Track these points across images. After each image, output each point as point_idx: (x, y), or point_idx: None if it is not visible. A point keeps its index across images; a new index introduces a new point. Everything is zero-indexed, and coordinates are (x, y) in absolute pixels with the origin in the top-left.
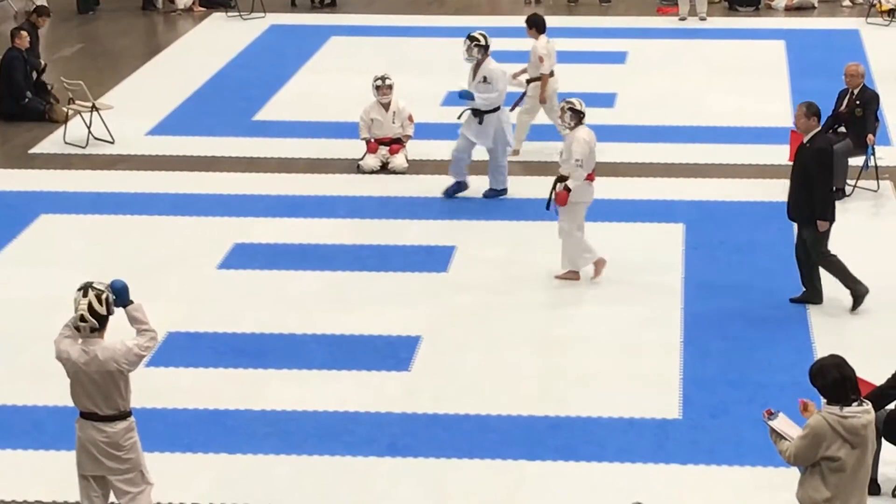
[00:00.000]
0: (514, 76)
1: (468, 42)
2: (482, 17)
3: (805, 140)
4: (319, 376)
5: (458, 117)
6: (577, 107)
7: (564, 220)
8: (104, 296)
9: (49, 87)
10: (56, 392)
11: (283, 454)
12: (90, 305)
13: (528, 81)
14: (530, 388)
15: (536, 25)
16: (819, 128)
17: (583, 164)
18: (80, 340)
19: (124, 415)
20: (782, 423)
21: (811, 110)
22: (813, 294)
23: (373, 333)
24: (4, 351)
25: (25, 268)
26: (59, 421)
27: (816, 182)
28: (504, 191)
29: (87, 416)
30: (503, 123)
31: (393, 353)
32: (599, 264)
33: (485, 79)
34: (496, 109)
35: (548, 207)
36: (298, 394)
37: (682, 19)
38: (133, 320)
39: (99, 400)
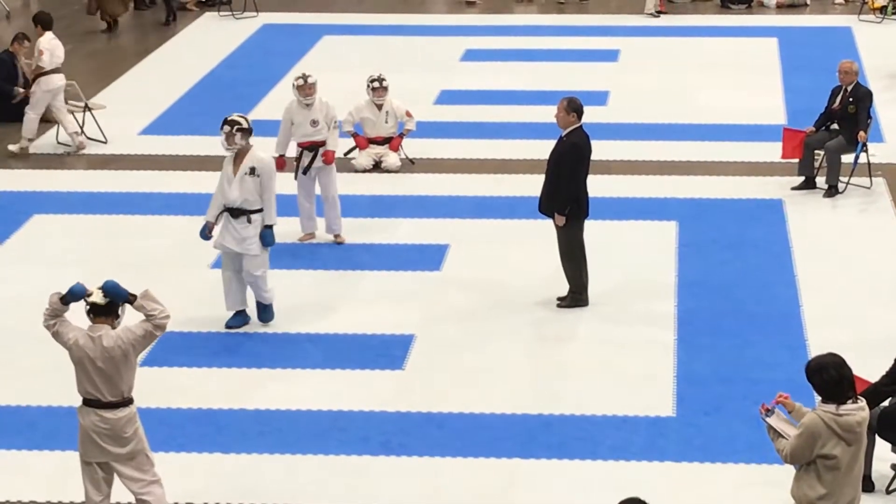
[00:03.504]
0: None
1: (228, 127)
2: (474, 15)
3: (563, 134)
4: (312, 375)
5: (208, 232)
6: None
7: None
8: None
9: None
10: (49, 391)
11: (277, 453)
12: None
13: (34, 78)
14: (523, 385)
15: (42, 23)
16: (578, 124)
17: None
18: (86, 326)
19: (126, 402)
20: (778, 420)
21: (571, 106)
22: (579, 299)
23: (366, 332)
24: None
25: (18, 268)
26: (52, 420)
27: (564, 175)
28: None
29: (89, 402)
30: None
31: (386, 351)
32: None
33: (252, 170)
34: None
35: (305, 172)
36: (291, 393)
37: (653, 15)
38: (143, 312)
39: (102, 386)
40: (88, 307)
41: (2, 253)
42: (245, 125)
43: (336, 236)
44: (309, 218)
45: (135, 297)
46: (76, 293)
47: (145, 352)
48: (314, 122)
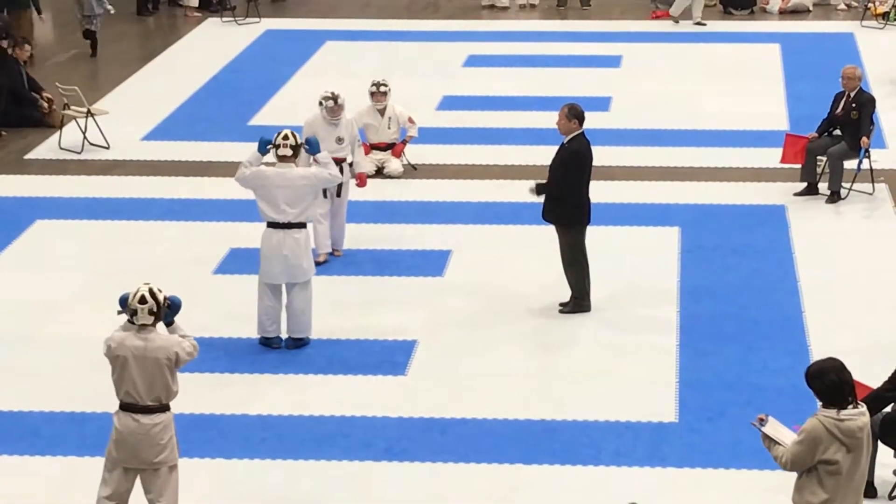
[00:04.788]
0: None
1: (284, 140)
2: (476, 21)
3: (564, 141)
4: (315, 381)
5: None
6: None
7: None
8: (162, 294)
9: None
10: (52, 397)
11: (279, 459)
12: (151, 291)
13: None
14: (526, 391)
15: None
16: (580, 130)
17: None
18: (135, 329)
19: (164, 408)
20: (774, 428)
21: (573, 112)
22: (581, 305)
23: (368, 338)
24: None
25: (21, 273)
26: (55, 426)
27: (567, 183)
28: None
29: (126, 406)
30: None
31: (389, 357)
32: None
33: None
34: (302, 224)
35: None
36: (294, 398)
37: (676, 21)
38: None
39: (142, 390)
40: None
41: (4, 258)
42: (295, 142)
43: (335, 250)
44: (325, 237)
45: (174, 323)
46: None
47: None
48: (339, 140)
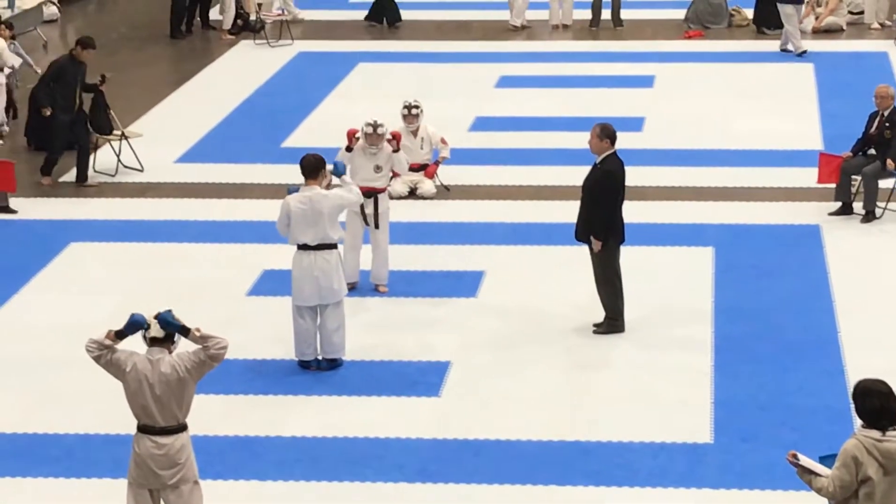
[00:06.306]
0: None
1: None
2: (508, 42)
3: (597, 161)
4: (349, 402)
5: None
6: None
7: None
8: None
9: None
10: (86, 419)
11: (313, 480)
12: (169, 312)
13: None
14: (560, 412)
15: None
16: (612, 150)
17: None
18: (144, 350)
19: (181, 427)
20: (808, 462)
21: (605, 132)
22: (615, 325)
23: (402, 359)
24: (35, 378)
25: (55, 295)
26: (90, 449)
27: (600, 202)
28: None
29: (143, 429)
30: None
31: (422, 378)
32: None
33: None
34: (332, 245)
35: (369, 222)
36: (327, 420)
37: (785, 51)
38: (199, 343)
39: (157, 412)
40: (148, 339)
41: (39, 281)
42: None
43: (378, 286)
44: (354, 267)
45: (188, 330)
46: (137, 323)
47: None
48: (378, 168)
